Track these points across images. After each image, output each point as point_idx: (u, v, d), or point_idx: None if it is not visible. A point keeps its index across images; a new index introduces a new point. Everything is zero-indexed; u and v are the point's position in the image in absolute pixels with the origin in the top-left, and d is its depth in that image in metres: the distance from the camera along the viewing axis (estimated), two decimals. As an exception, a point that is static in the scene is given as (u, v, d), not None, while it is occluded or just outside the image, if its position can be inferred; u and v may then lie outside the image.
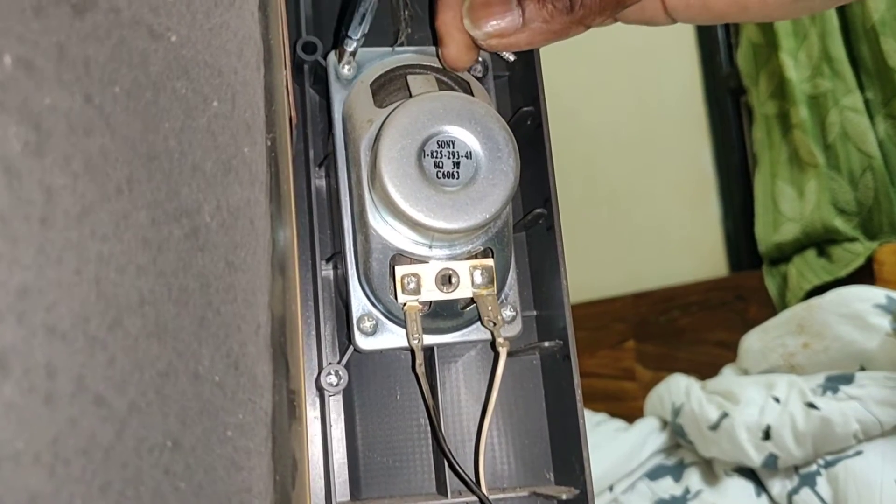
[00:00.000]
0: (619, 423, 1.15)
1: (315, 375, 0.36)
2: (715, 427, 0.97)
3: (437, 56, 0.36)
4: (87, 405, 0.18)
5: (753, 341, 1.11)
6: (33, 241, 0.17)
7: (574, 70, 1.50)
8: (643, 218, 1.59)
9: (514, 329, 0.36)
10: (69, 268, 0.18)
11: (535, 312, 0.38)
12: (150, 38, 0.21)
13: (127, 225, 0.19)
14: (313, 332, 0.37)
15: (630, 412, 1.20)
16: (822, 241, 1.28)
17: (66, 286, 0.18)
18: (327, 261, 0.37)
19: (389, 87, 0.36)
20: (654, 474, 1.04)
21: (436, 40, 0.35)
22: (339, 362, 0.35)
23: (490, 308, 0.34)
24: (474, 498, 0.34)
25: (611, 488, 1.03)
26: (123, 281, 0.19)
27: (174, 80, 0.22)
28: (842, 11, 1.26)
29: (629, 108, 1.62)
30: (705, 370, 1.18)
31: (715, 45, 1.54)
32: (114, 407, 0.19)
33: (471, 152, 0.33)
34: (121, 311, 0.19)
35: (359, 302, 0.35)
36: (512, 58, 0.36)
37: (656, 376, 1.28)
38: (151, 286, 0.20)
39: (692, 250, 1.53)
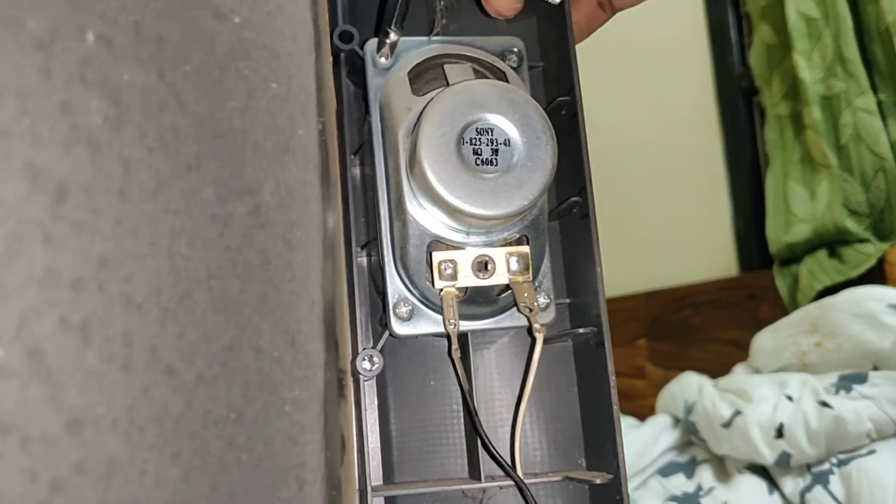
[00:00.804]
0: (630, 421, 1.15)
1: (349, 360, 0.36)
2: (728, 425, 0.97)
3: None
4: (160, 375, 0.19)
5: (766, 340, 1.11)
6: (112, 212, 0.18)
7: (587, 69, 1.50)
8: (655, 217, 1.59)
9: (549, 316, 0.36)
10: (144, 240, 0.19)
11: (568, 300, 0.38)
12: (216, 19, 0.22)
13: (196, 200, 0.20)
14: (348, 318, 0.37)
15: (640, 410, 1.20)
16: (833, 242, 1.28)
17: (142, 258, 0.18)
18: (361, 248, 0.38)
19: (427, 76, 0.36)
20: (667, 471, 1.05)
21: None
22: (373, 347, 0.36)
23: (526, 294, 0.34)
24: (508, 482, 0.34)
25: (622, 485, 1.03)
26: (193, 255, 0.20)
27: (238, 60, 0.22)
28: (856, 12, 1.26)
29: (641, 107, 1.62)
30: (716, 369, 1.18)
31: (728, 45, 1.54)
32: (183, 378, 0.19)
33: (509, 140, 0.33)
34: (190, 284, 0.20)
35: (395, 288, 0.35)
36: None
37: (667, 375, 1.28)
38: (218, 261, 0.20)
39: (703, 250, 1.53)
